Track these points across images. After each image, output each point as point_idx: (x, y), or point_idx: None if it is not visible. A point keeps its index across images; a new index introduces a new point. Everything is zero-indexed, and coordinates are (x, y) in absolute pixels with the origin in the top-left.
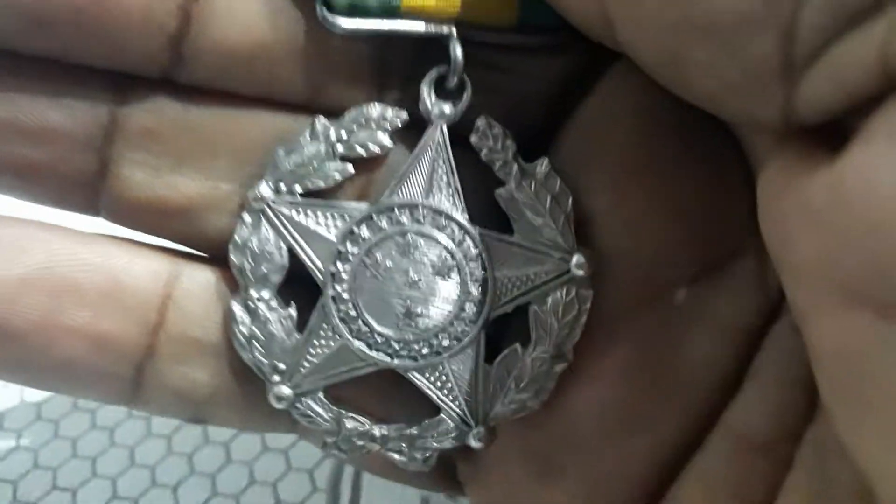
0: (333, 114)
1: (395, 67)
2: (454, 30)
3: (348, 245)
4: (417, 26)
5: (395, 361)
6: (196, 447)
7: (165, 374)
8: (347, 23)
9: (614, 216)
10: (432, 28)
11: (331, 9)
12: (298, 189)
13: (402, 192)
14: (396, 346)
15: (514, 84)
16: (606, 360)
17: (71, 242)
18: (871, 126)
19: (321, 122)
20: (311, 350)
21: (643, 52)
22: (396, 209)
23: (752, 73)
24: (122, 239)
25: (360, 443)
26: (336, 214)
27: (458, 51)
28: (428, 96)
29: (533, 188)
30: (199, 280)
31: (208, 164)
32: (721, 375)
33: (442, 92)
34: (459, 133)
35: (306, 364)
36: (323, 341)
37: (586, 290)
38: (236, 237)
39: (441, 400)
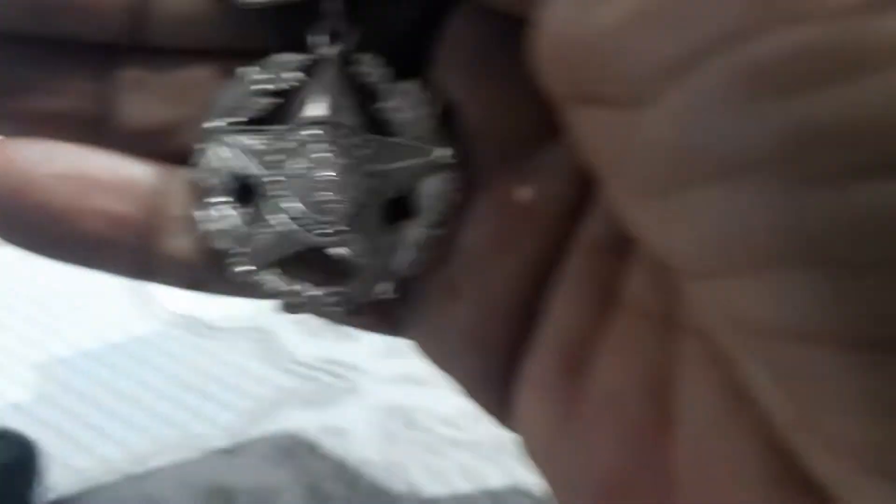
0: (264, 52)
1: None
2: None
3: (276, 155)
4: None
5: (318, 239)
6: None
7: (165, 245)
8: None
9: (472, 102)
10: None
11: None
12: (238, 118)
13: (310, 112)
14: (317, 227)
15: (390, 19)
16: (480, 205)
17: (89, 154)
18: None
19: (245, 70)
20: (260, 237)
21: None
22: (308, 125)
23: None
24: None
25: (300, 301)
26: (266, 134)
27: (338, 4)
28: (321, 40)
29: (406, 100)
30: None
31: (180, 96)
32: (568, 206)
33: (335, 34)
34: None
35: (258, 247)
36: (267, 229)
37: (454, 173)
38: (196, 160)
39: (355, 265)
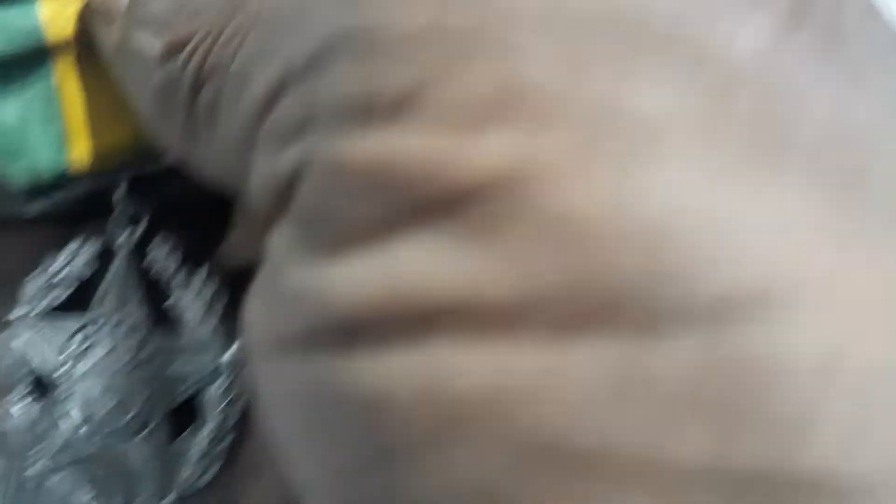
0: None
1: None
2: (119, 178)
3: (68, 351)
4: (89, 183)
5: (103, 445)
6: None
7: None
8: (34, 207)
9: None
10: (100, 181)
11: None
12: (34, 312)
13: (101, 307)
14: (100, 434)
15: (181, 199)
16: None
17: None
18: None
19: (42, 268)
20: (51, 440)
21: None
22: (99, 321)
23: None
24: None
25: None
26: (60, 329)
27: (121, 192)
28: (110, 232)
29: (193, 295)
30: None
31: None
32: None
33: (124, 222)
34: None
35: (49, 450)
36: (57, 432)
37: (241, 375)
38: None
39: (139, 476)
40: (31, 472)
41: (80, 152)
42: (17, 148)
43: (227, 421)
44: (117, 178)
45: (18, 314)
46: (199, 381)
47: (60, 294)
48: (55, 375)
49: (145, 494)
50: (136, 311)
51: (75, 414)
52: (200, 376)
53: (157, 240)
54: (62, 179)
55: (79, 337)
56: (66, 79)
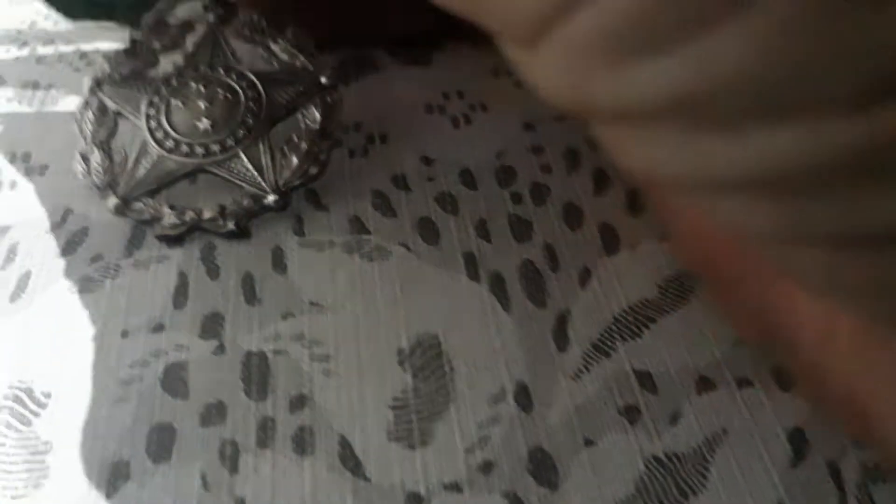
0: None
1: None
2: None
3: (161, 93)
4: None
5: (202, 160)
6: None
7: None
8: None
9: None
10: None
11: None
12: (124, 71)
13: (196, 57)
14: (201, 152)
15: None
16: None
17: None
18: None
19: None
20: (137, 168)
21: None
22: (194, 67)
23: None
24: None
25: (177, 222)
26: (150, 82)
27: None
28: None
29: (283, 42)
30: None
31: None
32: None
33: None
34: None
35: (134, 178)
36: (145, 160)
37: (335, 93)
38: (78, 110)
39: (242, 182)
40: (112, 201)
41: None
42: None
43: (325, 128)
44: None
45: (105, 79)
46: (298, 100)
47: (158, 50)
48: (146, 113)
49: (247, 198)
50: (235, 57)
51: (172, 138)
52: (299, 95)
53: (243, 15)
54: None
55: (178, 78)
56: None
